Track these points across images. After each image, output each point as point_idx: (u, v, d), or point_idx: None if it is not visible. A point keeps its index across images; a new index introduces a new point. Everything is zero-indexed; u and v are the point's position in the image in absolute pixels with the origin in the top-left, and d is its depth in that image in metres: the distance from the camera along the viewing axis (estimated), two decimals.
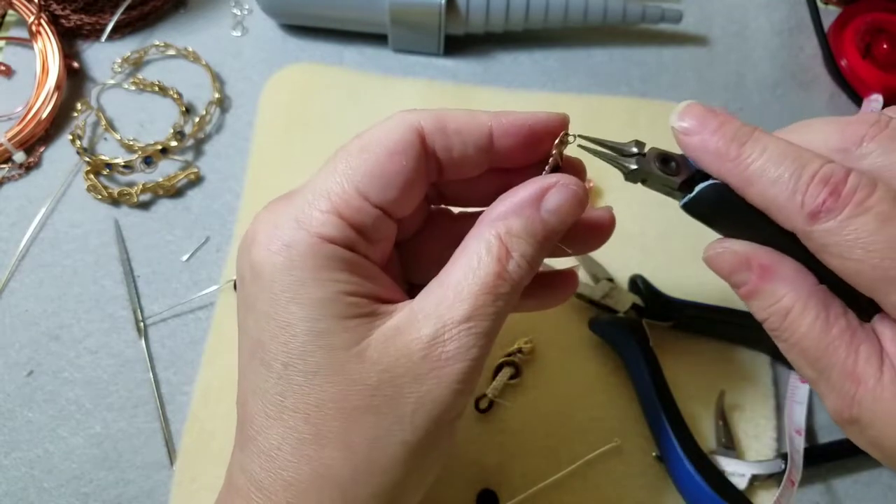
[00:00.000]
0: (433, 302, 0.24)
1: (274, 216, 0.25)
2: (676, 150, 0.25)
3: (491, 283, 0.24)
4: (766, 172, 0.23)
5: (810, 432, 0.38)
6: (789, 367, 0.40)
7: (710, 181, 0.25)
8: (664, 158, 0.26)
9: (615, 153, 0.26)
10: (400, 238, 0.28)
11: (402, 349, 0.23)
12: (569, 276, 0.31)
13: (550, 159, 0.26)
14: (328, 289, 0.23)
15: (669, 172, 0.26)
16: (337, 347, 0.23)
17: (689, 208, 0.26)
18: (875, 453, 0.24)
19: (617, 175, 0.44)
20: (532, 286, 0.26)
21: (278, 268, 0.23)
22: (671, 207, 0.43)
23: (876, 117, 0.23)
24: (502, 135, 0.26)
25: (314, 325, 0.23)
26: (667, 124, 0.25)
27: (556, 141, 0.26)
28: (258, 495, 0.23)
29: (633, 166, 0.26)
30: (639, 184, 0.26)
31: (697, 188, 0.25)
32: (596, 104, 0.46)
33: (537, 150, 0.27)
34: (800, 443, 0.36)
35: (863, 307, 0.23)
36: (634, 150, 0.26)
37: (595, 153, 0.26)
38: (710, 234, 0.42)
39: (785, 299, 0.24)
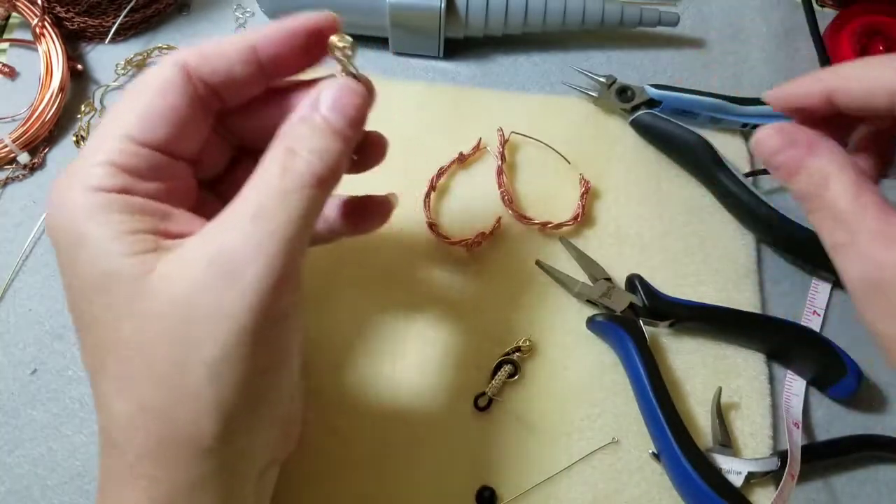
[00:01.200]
0: (220, 218, 0.23)
1: (60, 180, 0.25)
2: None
3: (277, 183, 0.23)
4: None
5: (807, 430, 0.39)
6: (785, 365, 0.40)
7: (646, 111, 0.43)
8: (622, 90, 0.44)
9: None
10: (206, 175, 0.29)
11: (188, 271, 0.23)
12: (383, 202, 0.32)
13: (338, 68, 0.26)
14: (104, 231, 0.23)
15: (625, 100, 0.44)
16: (123, 283, 0.23)
17: (633, 124, 0.44)
18: (891, 324, 0.25)
19: (617, 175, 0.45)
20: (348, 212, 0.28)
21: (63, 228, 0.24)
22: (669, 207, 0.43)
23: None
24: (267, 45, 0.26)
25: (97, 266, 0.23)
26: None
27: (333, 46, 0.26)
28: (111, 451, 0.24)
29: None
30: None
31: (636, 113, 0.43)
32: (594, 106, 0.46)
33: (313, 56, 0.27)
34: (798, 436, 0.36)
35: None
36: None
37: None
38: (707, 234, 0.43)
39: (826, 167, 0.26)
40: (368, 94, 0.27)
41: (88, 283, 0.24)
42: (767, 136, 0.29)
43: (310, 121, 0.25)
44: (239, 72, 0.26)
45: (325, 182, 0.25)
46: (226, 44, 0.26)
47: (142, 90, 0.25)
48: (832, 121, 0.29)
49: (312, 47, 0.26)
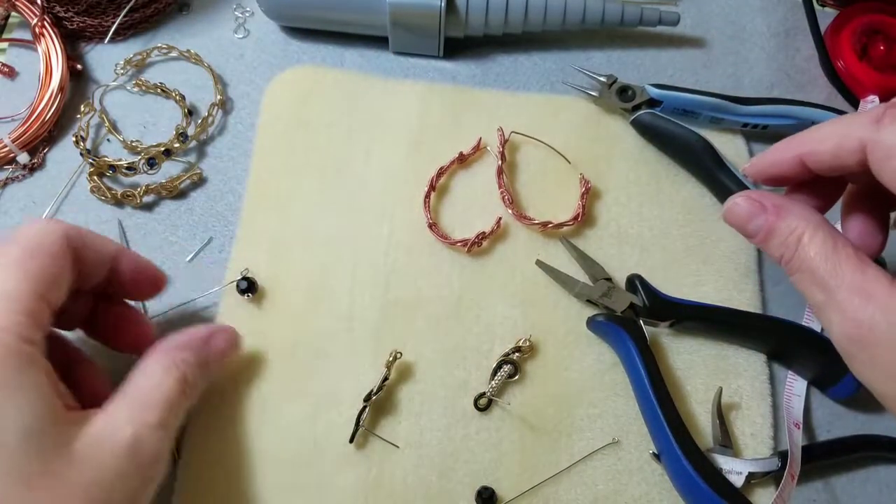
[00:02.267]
0: (126, 411, 0.28)
1: None
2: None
3: (175, 397, 0.30)
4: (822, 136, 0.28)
5: (808, 430, 0.39)
6: (785, 365, 0.40)
7: (646, 110, 0.43)
8: (622, 89, 0.44)
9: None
10: (72, 325, 0.34)
11: (108, 451, 0.26)
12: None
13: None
14: (37, 391, 0.25)
15: (625, 99, 0.44)
16: (48, 449, 0.24)
17: (633, 123, 0.44)
18: (877, 379, 0.25)
19: (617, 175, 0.45)
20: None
21: None
22: (669, 207, 0.43)
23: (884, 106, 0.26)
24: (125, 261, 0.33)
25: (27, 427, 0.24)
26: None
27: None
28: None
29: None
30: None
31: (637, 113, 0.43)
32: (595, 106, 0.46)
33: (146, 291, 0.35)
34: (798, 436, 0.36)
35: None
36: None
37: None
38: (708, 234, 0.43)
39: (798, 229, 0.27)
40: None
41: (11, 439, 0.24)
42: (735, 205, 0.30)
43: (198, 352, 0.33)
44: (100, 267, 0.31)
45: (189, 396, 0.31)
46: (98, 239, 0.31)
47: (40, 250, 0.28)
48: (818, 185, 0.30)
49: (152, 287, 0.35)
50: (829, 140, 0.27)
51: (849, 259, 0.25)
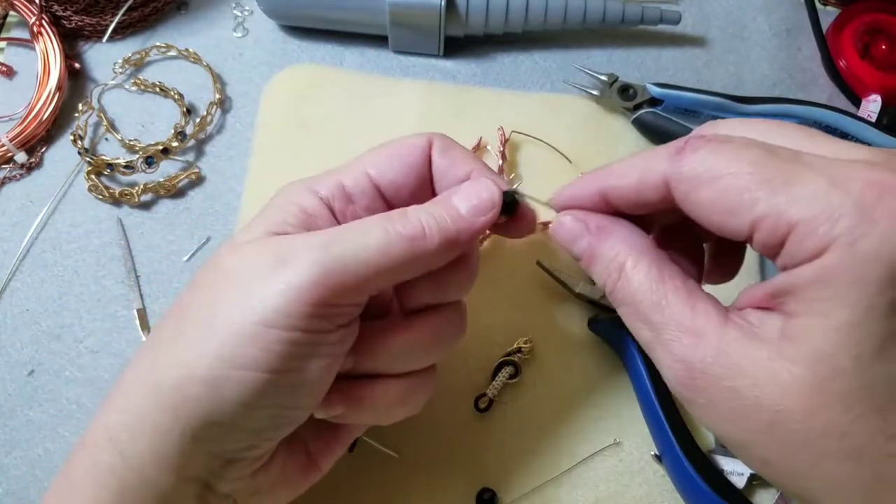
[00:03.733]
0: (313, 233, 0.27)
1: (308, 178, 0.30)
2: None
3: (370, 220, 0.27)
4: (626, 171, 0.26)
5: None
6: None
7: (647, 110, 0.43)
8: (623, 88, 0.44)
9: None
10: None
11: (261, 248, 0.26)
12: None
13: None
14: (276, 213, 0.27)
15: (627, 98, 0.44)
16: (233, 243, 0.27)
17: (635, 123, 0.44)
18: (714, 422, 0.22)
19: None
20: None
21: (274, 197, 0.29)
22: None
23: (700, 133, 0.25)
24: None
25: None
26: None
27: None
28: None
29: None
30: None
31: (638, 112, 0.43)
32: (596, 105, 0.46)
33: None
34: None
35: None
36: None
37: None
38: None
39: (620, 255, 0.25)
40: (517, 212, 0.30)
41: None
42: (560, 224, 0.28)
43: (437, 198, 0.28)
44: (456, 179, 0.30)
45: (410, 239, 0.26)
46: (460, 151, 0.30)
47: (395, 143, 0.30)
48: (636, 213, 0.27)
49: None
50: (631, 175, 0.25)
51: (676, 292, 0.23)
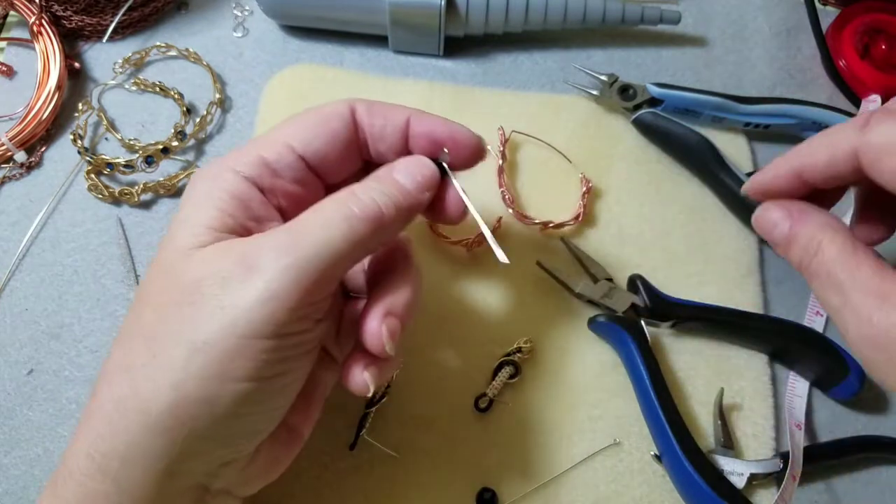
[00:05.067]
0: (271, 232, 0.26)
1: (222, 157, 0.29)
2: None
3: (322, 208, 0.26)
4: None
5: (809, 431, 0.38)
6: (787, 366, 0.40)
7: (647, 110, 0.43)
8: (623, 88, 0.44)
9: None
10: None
11: (222, 257, 0.25)
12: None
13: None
14: (209, 205, 0.27)
15: (627, 98, 0.44)
16: (178, 249, 0.26)
17: (635, 123, 0.44)
18: (892, 380, 0.25)
19: (618, 174, 0.45)
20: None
21: (193, 184, 0.28)
22: (671, 207, 0.43)
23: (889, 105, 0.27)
24: (417, 123, 0.30)
25: (178, 231, 0.26)
26: None
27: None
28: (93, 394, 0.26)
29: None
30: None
31: (638, 112, 0.43)
32: (596, 105, 0.46)
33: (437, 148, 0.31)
34: (800, 437, 0.36)
35: None
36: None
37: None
38: (710, 234, 0.43)
39: (818, 234, 0.27)
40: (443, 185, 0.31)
41: (168, 240, 0.27)
42: (765, 211, 0.30)
43: (376, 176, 0.29)
44: (390, 134, 0.30)
45: (371, 220, 0.26)
46: (388, 107, 0.30)
47: (313, 112, 0.30)
48: (821, 193, 0.30)
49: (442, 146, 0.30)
50: (822, 151, 0.28)
51: (868, 263, 0.25)
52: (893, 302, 0.24)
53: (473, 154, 0.31)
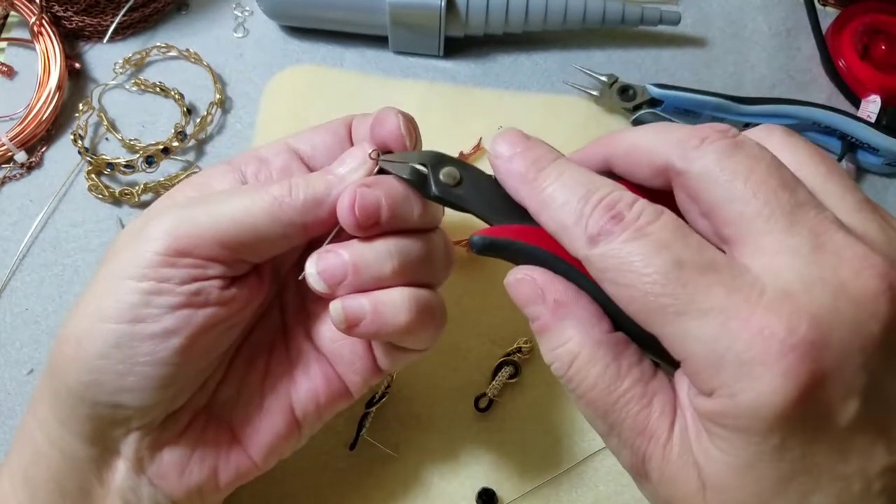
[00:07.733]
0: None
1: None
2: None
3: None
4: (557, 197, 0.23)
5: None
6: None
7: (647, 110, 0.43)
8: (623, 89, 0.44)
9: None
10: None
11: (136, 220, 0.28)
12: None
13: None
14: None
15: (626, 99, 0.44)
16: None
17: (634, 123, 0.44)
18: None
19: None
20: None
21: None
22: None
23: (725, 127, 0.22)
24: (356, 131, 0.33)
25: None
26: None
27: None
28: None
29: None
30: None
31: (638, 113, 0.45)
32: (596, 106, 0.46)
33: None
34: None
35: (666, 352, 0.21)
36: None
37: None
38: None
39: (571, 343, 0.22)
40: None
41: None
42: (517, 281, 0.24)
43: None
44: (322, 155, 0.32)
45: (278, 198, 0.27)
46: (319, 129, 0.33)
47: (318, 127, 0.32)
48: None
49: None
50: (631, 152, 0.24)
51: (633, 388, 0.22)
52: (660, 443, 0.21)
53: (395, 130, 0.30)
